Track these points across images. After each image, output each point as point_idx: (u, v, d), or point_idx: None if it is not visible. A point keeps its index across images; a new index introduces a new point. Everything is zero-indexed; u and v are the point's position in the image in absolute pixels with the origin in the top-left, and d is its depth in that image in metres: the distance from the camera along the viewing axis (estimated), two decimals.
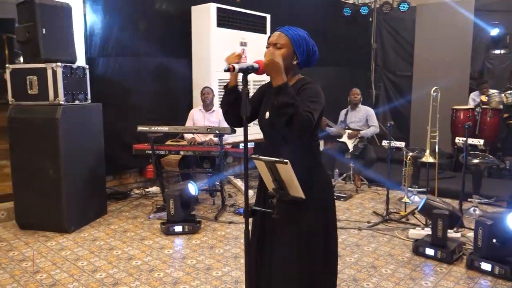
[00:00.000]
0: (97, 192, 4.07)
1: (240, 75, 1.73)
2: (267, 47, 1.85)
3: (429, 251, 3.19)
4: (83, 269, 2.97)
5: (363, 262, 3.15)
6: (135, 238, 3.59)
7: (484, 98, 5.71)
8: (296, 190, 1.71)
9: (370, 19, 7.48)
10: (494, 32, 6.79)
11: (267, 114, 1.87)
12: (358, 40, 7.54)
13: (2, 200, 4.08)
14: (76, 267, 3.01)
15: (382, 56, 7.97)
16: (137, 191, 4.95)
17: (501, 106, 5.48)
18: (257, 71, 1.78)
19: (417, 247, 3.27)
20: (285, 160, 1.62)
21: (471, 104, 6.03)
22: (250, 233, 1.97)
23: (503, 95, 5.40)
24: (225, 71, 1.67)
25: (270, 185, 1.78)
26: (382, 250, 3.36)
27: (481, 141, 3.86)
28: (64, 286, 2.73)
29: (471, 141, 3.88)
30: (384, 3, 7.20)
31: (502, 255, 2.88)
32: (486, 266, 2.91)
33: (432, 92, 4.44)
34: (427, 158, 4.34)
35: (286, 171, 1.66)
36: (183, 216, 3.67)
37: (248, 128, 1.74)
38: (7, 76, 3.63)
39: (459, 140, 3.99)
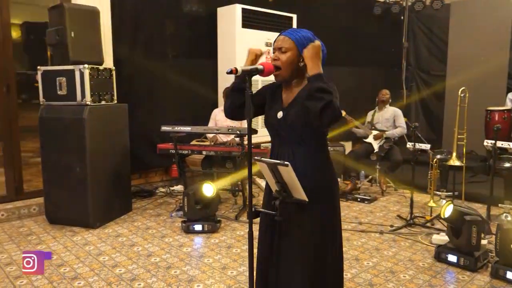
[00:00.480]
0: (122, 190, 4.20)
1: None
2: (273, 52, 1.85)
3: (452, 258, 3.07)
4: (104, 264, 3.08)
5: (382, 266, 3.08)
6: (156, 235, 3.68)
7: None
8: (299, 192, 1.70)
9: (402, 17, 7.28)
10: None
11: (280, 114, 1.87)
12: (388, 39, 7.35)
13: (35, 195, 4.30)
14: (98, 261, 3.12)
15: (415, 55, 7.73)
16: (162, 190, 5.07)
17: None
18: (262, 73, 1.79)
19: (439, 253, 3.15)
20: (286, 162, 1.61)
21: (508, 105, 5.73)
22: (260, 233, 1.99)
23: None
24: (228, 73, 1.68)
25: (273, 187, 1.78)
26: (403, 255, 3.27)
27: (511, 144, 3.67)
28: (85, 279, 2.84)
29: (500, 144, 3.70)
30: (416, 0, 6.98)
31: None
32: (511, 275, 2.77)
33: (459, 93, 4.27)
34: (453, 161, 4.17)
35: (288, 173, 1.66)
36: (199, 215, 3.72)
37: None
38: (38, 77, 3.81)
39: (487, 143, 3.81)
